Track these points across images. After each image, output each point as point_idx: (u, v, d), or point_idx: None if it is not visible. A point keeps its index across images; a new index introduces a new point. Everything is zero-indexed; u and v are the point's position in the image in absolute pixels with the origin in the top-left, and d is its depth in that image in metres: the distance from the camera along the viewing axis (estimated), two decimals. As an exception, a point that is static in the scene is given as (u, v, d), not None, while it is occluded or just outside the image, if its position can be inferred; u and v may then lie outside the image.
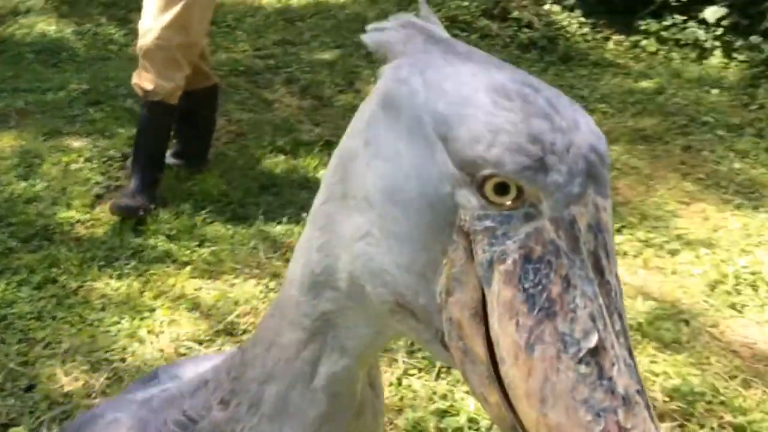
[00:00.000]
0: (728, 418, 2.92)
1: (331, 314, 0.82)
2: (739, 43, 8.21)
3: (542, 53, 8.09)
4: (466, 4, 8.73)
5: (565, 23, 8.71)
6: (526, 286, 0.66)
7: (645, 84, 7.38)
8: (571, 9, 8.90)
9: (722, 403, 3.00)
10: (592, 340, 0.64)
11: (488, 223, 0.67)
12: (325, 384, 0.85)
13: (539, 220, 0.67)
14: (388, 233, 0.72)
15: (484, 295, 0.69)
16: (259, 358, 0.89)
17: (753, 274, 4.19)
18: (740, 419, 2.89)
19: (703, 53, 8.44)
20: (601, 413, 0.63)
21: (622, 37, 8.77)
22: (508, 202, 0.67)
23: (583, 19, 8.83)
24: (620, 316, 0.68)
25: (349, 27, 7.97)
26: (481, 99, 0.69)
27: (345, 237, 0.77)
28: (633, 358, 0.68)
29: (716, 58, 8.30)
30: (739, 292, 4.03)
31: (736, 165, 5.79)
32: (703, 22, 8.40)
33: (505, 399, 0.68)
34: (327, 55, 7.18)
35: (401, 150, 0.71)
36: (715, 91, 7.30)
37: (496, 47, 8.11)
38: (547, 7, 8.85)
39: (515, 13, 8.51)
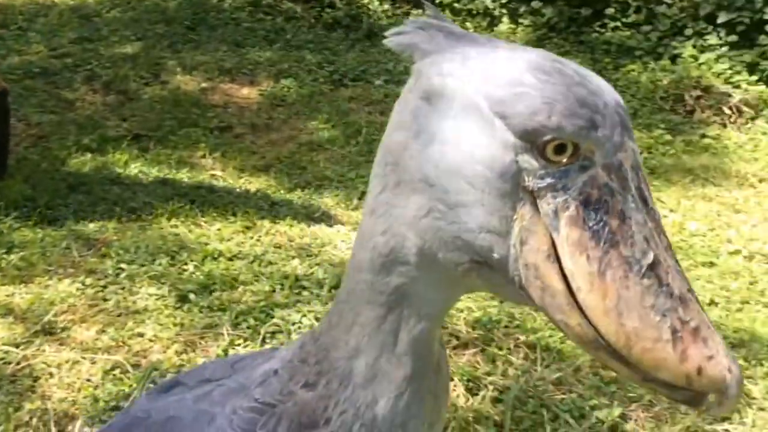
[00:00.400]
0: (522, 338, 3.32)
1: (404, 286, 0.93)
2: (522, 8, 8.94)
3: (347, 31, 8.35)
4: (267, -13, 8.82)
5: (366, 1, 9.04)
6: (591, 224, 0.81)
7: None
8: (371, -13, 9.25)
9: (517, 326, 3.40)
10: (650, 257, 0.81)
11: (549, 179, 0.81)
12: (408, 348, 0.97)
13: (593, 169, 0.82)
14: (455, 204, 0.83)
15: (553, 240, 0.83)
16: (342, 339, 0.99)
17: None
18: (531, 337, 3.30)
19: (493, 21, 9.11)
20: (666, 313, 0.79)
21: (420, 11, 9.28)
22: (565, 159, 0.81)
23: (383, -4, 9.24)
24: (664, 234, 0.84)
25: (150, 19, 7.80)
26: (527, 78, 0.81)
27: (408, 217, 0.88)
28: (678, 264, 0.84)
29: (505, 25, 9.00)
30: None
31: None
32: (490, -8, 9.05)
33: (586, 320, 0.82)
34: (129, 49, 7.00)
35: (460, 132, 0.83)
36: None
37: (302, 29, 8.28)
38: (347, -14, 9.13)
39: (317, -5, 8.72)
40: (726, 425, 2.90)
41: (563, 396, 2.95)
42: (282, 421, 1.02)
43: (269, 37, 7.91)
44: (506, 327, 3.39)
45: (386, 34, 0.94)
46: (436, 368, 1.03)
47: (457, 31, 0.92)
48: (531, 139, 0.80)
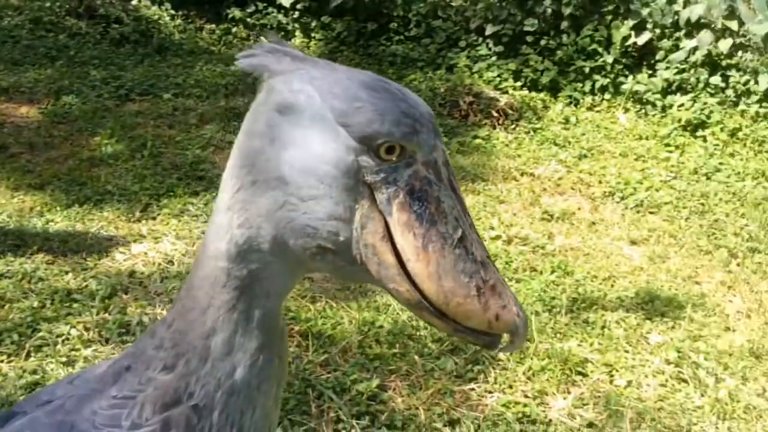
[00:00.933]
0: (296, 328, 3.52)
1: (257, 271, 1.07)
2: (314, 23, 9.29)
3: (136, 47, 8.23)
4: (48, 4, 8.46)
5: (156, 17, 8.94)
6: (415, 208, 1.02)
7: (235, 68, 7.96)
8: (161, 3, 9.16)
9: (292, 318, 3.60)
10: (459, 233, 1.04)
11: (383, 174, 1.01)
12: (259, 322, 1.10)
13: (416, 165, 1.03)
14: (307, 197, 1.00)
15: (386, 223, 1.02)
16: (198, 320, 1.10)
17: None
18: (304, 327, 3.52)
19: (287, 35, 9.38)
20: (472, 275, 1.03)
21: (213, 26, 9.35)
22: (394, 158, 1.01)
23: (174, 12, 9.17)
24: (468, 214, 1.07)
25: None
26: (363, 95, 1.01)
27: (263, 211, 1.03)
28: (479, 236, 1.07)
29: (299, 39, 9.30)
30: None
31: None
32: (281, 7, 9.30)
33: (412, 286, 1.03)
34: None
35: (311, 138, 1.00)
36: (296, 68, 8.25)
37: (87, 45, 8.04)
38: (135, 2, 8.98)
39: (102, 11, 8.49)
40: (472, 384, 3.28)
41: (328, 375, 3.18)
42: (145, 406, 1.10)
43: (51, 54, 7.62)
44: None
45: (238, 56, 1.07)
46: (281, 335, 1.18)
47: (300, 55, 1.09)
48: (368, 143, 1.00)
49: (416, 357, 3.37)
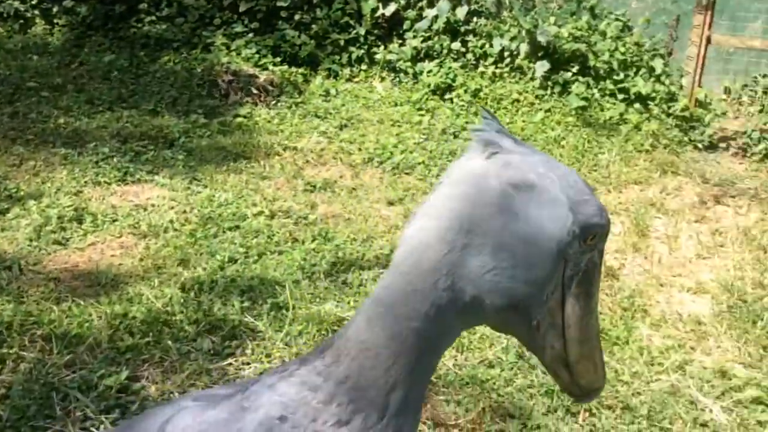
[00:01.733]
0: (39, 332, 3.33)
1: (444, 331, 1.14)
2: (56, 9, 8.63)
3: None
4: None
5: None
6: (584, 287, 1.18)
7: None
8: None
9: (34, 323, 3.39)
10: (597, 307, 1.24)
11: (578, 255, 1.15)
12: (428, 378, 1.19)
13: (594, 251, 1.17)
14: (521, 265, 1.10)
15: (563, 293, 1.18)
16: (381, 378, 1.11)
17: (77, 210, 4.69)
18: (47, 330, 3.33)
19: (27, 23, 8.64)
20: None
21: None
22: (592, 245, 1.16)
23: None
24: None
25: None
26: (587, 189, 1.16)
27: (470, 272, 1.09)
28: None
29: (40, 27, 8.60)
30: (64, 229, 4.48)
31: (61, 120, 6.26)
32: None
33: (564, 345, 1.22)
34: None
35: (543, 216, 1.11)
36: (37, 57, 7.64)
37: None
38: None
39: None
40: (230, 360, 3.31)
41: (74, 375, 3.05)
42: None
43: None
44: (22, 325, 3.36)
45: (470, 131, 1.18)
46: None
47: (518, 140, 1.20)
48: (585, 231, 1.14)
49: (170, 342, 3.33)
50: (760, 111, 7.30)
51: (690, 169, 6.61)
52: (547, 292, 1.15)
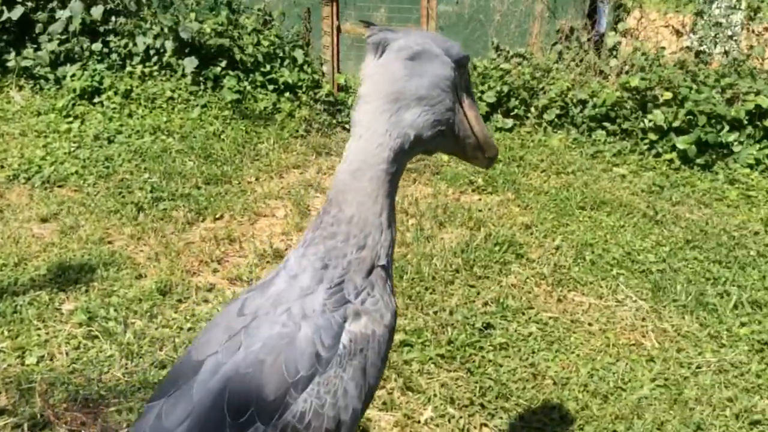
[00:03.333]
0: None
1: (401, 164, 1.69)
2: None
3: None
4: None
5: None
6: (471, 98, 1.77)
7: None
8: None
9: None
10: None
11: (459, 79, 1.71)
12: (394, 196, 1.72)
13: (465, 73, 1.73)
14: (435, 103, 1.65)
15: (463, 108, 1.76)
16: (372, 208, 1.66)
17: None
18: None
19: None
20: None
21: None
22: (462, 70, 1.72)
23: None
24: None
25: None
26: (447, 41, 1.69)
27: (408, 122, 1.63)
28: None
29: None
30: None
31: None
32: None
33: (475, 138, 1.77)
34: None
35: (434, 68, 1.64)
36: None
37: None
38: None
39: None
40: None
41: None
42: (355, 279, 1.65)
43: None
44: None
45: (366, 36, 1.64)
46: None
47: (393, 29, 1.67)
48: (458, 63, 1.68)
49: None
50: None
51: (340, 149, 7.21)
52: (455, 109, 1.72)
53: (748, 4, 7.17)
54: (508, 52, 8.49)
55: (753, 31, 7.25)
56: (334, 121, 7.95)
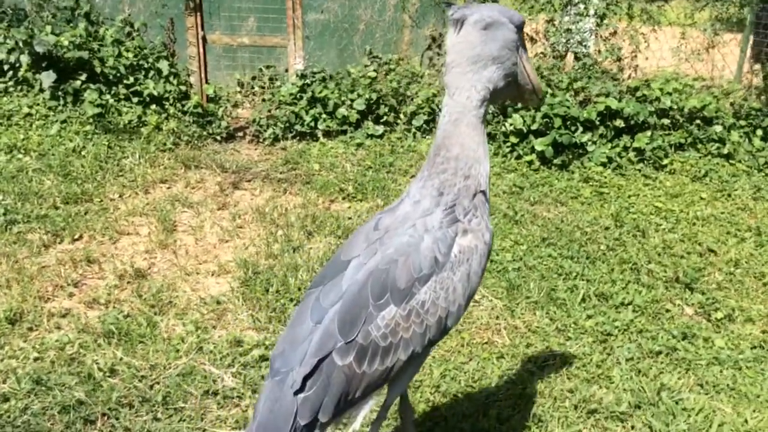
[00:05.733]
0: None
1: (486, 108, 2.23)
2: None
3: None
4: None
5: None
6: (527, 54, 2.36)
7: None
8: None
9: None
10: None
11: (519, 39, 2.27)
12: (485, 135, 2.30)
13: (522, 33, 2.29)
14: (505, 59, 2.19)
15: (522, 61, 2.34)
16: (471, 146, 2.21)
17: None
18: None
19: None
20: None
21: None
22: (521, 32, 2.27)
23: None
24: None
25: None
26: (509, 11, 2.22)
27: (486, 77, 2.18)
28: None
29: None
30: None
31: None
32: None
33: (532, 84, 2.34)
34: None
35: (503, 34, 2.16)
36: None
37: None
38: None
39: None
40: None
41: None
42: (463, 202, 2.20)
43: None
44: None
45: (450, 13, 2.18)
46: None
47: (473, 4, 2.21)
48: (518, 27, 2.20)
49: None
50: (264, 100, 8.17)
51: (210, 161, 7.11)
52: (518, 63, 2.22)
53: (595, 11, 7.62)
54: (380, 58, 8.63)
55: (601, 37, 7.71)
56: (205, 133, 7.83)
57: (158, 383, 3.45)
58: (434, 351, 3.88)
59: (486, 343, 4.01)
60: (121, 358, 3.65)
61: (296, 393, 2.03)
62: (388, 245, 2.13)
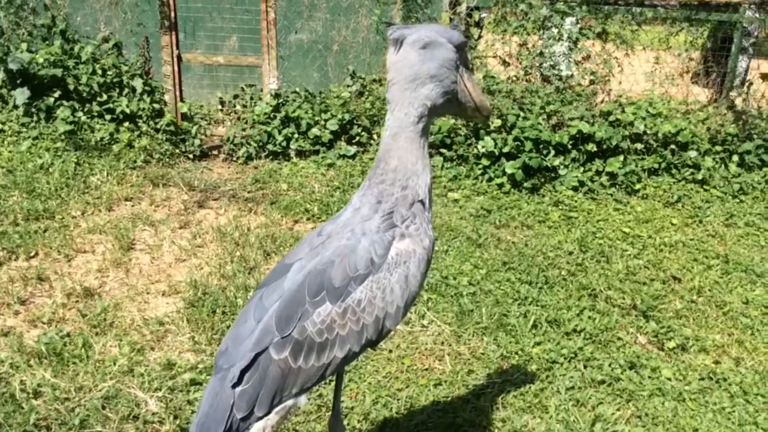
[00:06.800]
0: None
1: (426, 125, 2.29)
2: None
3: None
4: None
5: None
6: (469, 73, 2.40)
7: None
8: None
9: None
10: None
11: (459, 58, 2.31)
12: (426, 148, 2.34)
13: (464, 52, 2.33)
14: (443, 78, 2.24)
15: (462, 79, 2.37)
16: (410, 159, 2.28)
17: None
18: None
19: None
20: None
21: None
22: (461, 51, 2.32)
23: None
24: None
25: None
26: (448, 30, 2.28)
27: (424, 95, 2.23)
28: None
29: None
30: None
31: None
32: None
33: (473, 102, 2.39)
34: None
35: (442, 53, 2.22)
36: None
37: None
38: None
39: None
40: None
41: None
42: (401, 210, 2.28)
43: None
44: None
45: (390, 32, 2.23)
46: None
47: (409, 25, 2.27)
48: (458, 47, 2.26)
49: None
50: (239, 119, 8.16)
51: (179, 179, 7.08)
52: (458, 81, 2.28)
53: (568, 35, 7.60)
54: (364, 78, 8.62)
55: (574, 61, 7.69)
56: (177, 151, 7.81)
57: (80, 406, 3.39)
58: (370, 377, 3.81)
59: (426, 369, 3.95)
60: (48, 380, 3.59)
61: (234, 386, 2.09)
62: (328, 248, 2.24)
